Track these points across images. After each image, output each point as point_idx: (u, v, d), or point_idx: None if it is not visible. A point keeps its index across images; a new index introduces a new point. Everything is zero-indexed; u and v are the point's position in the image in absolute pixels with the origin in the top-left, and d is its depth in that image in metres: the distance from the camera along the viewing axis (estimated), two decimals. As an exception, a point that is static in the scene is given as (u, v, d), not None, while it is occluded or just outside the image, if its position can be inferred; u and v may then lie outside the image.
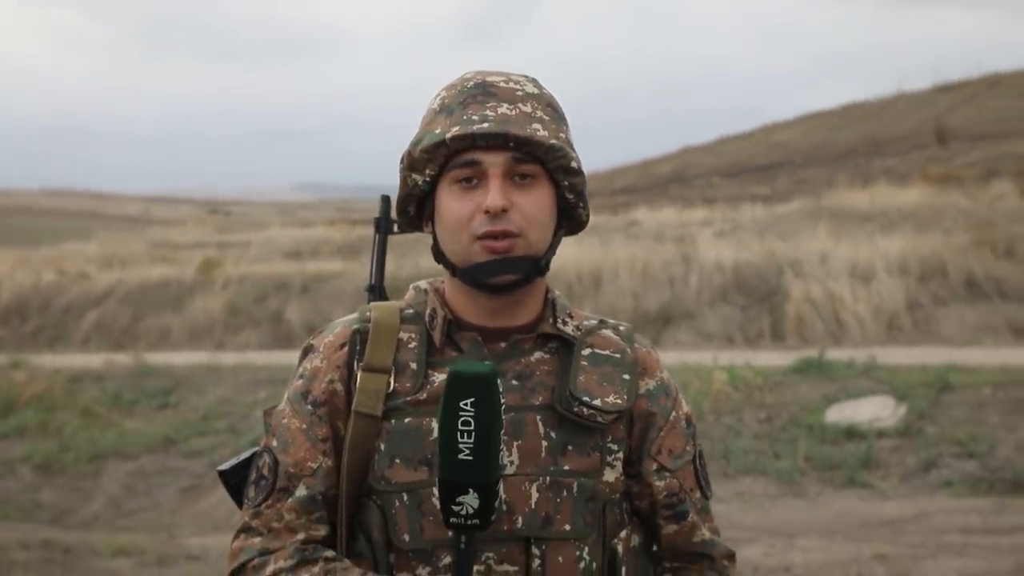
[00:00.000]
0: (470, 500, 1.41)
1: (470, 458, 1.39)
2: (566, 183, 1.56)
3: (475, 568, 1.49)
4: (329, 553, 1.54)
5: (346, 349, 1.59)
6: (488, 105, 1.52)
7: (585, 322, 1.63)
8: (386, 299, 1.84)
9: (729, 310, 14.89)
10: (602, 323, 1.64)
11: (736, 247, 16.64)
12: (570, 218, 1.61)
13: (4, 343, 16.44)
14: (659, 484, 1.60)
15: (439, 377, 1.54)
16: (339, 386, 1.58)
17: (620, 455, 1.58)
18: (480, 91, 1.53)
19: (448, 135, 1.50)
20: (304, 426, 1.58)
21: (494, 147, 1.50)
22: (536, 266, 1.55)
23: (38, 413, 10.82)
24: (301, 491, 1.55)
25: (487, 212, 1.49)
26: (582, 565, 1.53)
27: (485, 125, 1.49)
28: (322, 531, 1.56)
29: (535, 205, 1.53)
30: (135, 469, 10.20)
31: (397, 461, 1.53)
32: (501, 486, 1.48)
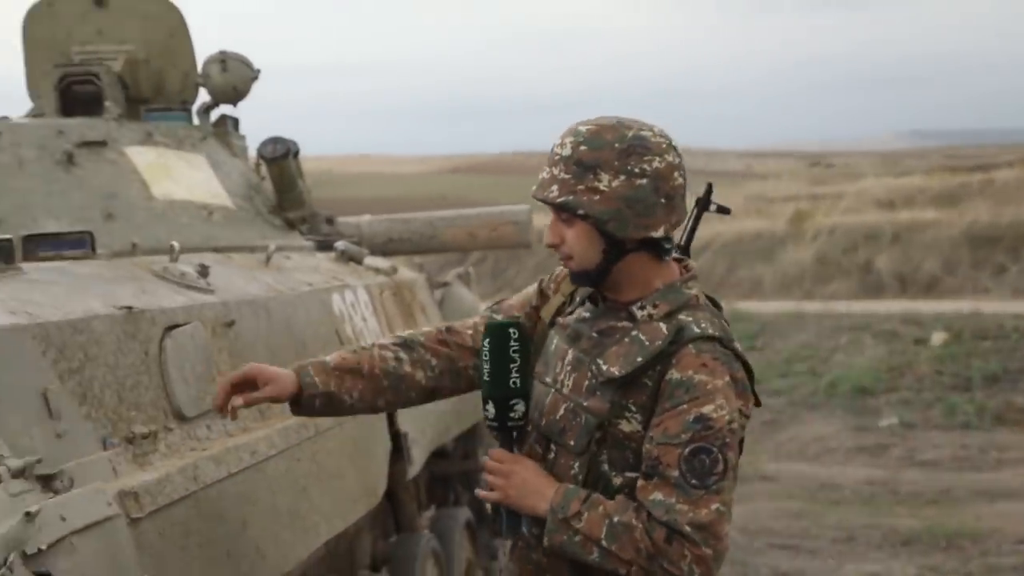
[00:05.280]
0: (490, 408, 2.18)
1: (487, 380, 2.16)
2: (593, 222, 2.09)
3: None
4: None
5: (561, 274, 2.34)
6: (543, 169, 2.14)
7: (681, 315, 2.11)
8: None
9: None
10: (677, 320, 2.11)
11: None
12: (617, 238, 2.11)
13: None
14: (647, 446, 2.06)
15: (577, 312, 2.24)
16: (551, 290, 2.37)
17: (637, 416, 2.08)
18: (549, 155, 2.15)
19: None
20: (532, 292, 2.39)
21: None
22: (590, 277, 2.16)
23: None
24: (498, 318, 2.31)
25: (544, 243, 2.19)
26: (572, 472, 2.13)
27: (533, 187, 2.15)
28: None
29: (573, 238, 2.13)
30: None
31: (541, 357, 2.27)
32: (527, 400, 2.19)
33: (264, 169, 4.48)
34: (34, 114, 4.28)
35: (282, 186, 4.37)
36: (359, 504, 3.40)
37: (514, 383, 2.15)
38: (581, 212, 2.08)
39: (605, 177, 2.07)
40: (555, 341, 2.23)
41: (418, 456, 4.11)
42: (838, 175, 33.42)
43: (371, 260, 4.61)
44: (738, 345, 2.13)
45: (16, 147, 3.63)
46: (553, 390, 2.18)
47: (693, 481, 2.00)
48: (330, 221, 4.96)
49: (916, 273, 17.44)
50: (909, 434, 9.83)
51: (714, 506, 2.00)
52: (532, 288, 2.40)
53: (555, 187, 2.10)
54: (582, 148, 2.09)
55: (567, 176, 2.09)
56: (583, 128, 2.11)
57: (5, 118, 3.79)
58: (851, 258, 18.17)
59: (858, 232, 18.76)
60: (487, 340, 2.15)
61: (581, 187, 2.08)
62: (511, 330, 2.14)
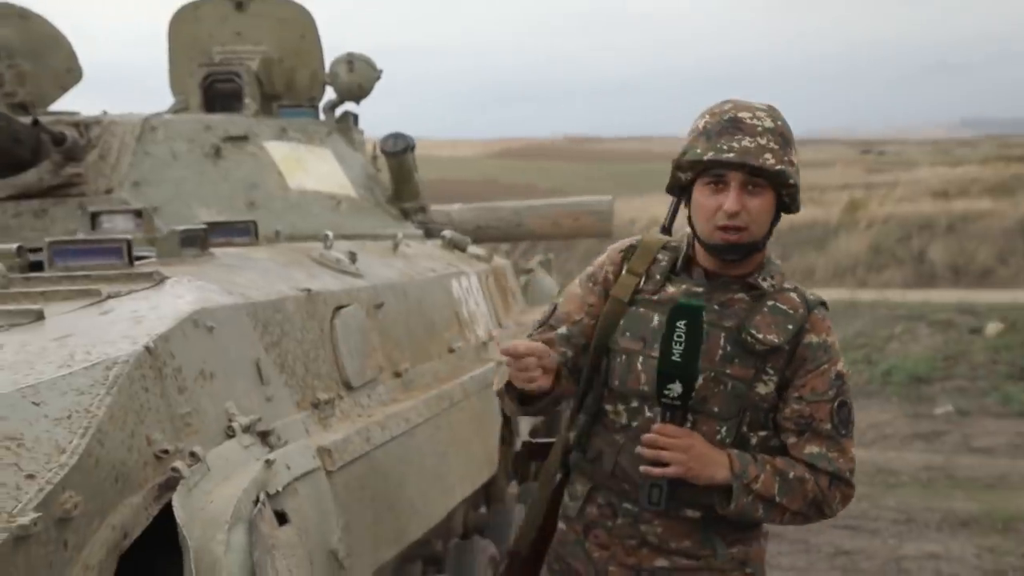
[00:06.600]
0: (675, 387, 2.16)
1: (679, 360, 2.15)
2: (784, 192, 2.22)
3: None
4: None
5: (622, 254, 2.41)
6: (735, 137, 2.17)
7: (785, 284, 2.29)
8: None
9: None
10: (796, 289, 2.29)
11: None
12: (786, 211, 2.26)
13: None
14: (795, 407, 2.25)
15: (670, 288, 2.30)
16: (611, 275, 2.39)
17: (775, 378, 2.24)
18: (731, 125, 2.19)
19: (706, 157, 2.19)
20: (581, 292, 2.41)
21: (735, 167, 2.18)
22: (754, 248, 2.24)
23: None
24: (562, 330, 2.38)
25: (727, 211, 2.19)
26: (718, 437, 2.24)
27: (731, 155, 2.17)
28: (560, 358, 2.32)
29: (760, 207, 2.20)
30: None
31: (627, 334, 2.31)
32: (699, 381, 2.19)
33: (379, 161, 4.83)
34: (176, 109, 4.67)
35: (400, 178, 4.73)
36: (483, 471, 3.75)
37: (699, 363, 2.18)
38: (792, 182, 2.21)
39: (792, 152, 2.24)
40: (655, 317, 2.28)
41: (523, 432, 4.47)
42: (891, 164, 33.32)
43: (472, 248, 4.94)
44: None
45: (170, 141, 4.01)
46: None
47: (842, 431, 2.26)
48: (423, 209, 5.31)
49: (970, 263, 17.58)
50: (964, 422, 10.04)
51: (854, 449, 2.29)
52: (578, 290, 2.42)
53: (769, 156, 2.17)
54: (779, 123, 2.22)
55: (776, 147, 2.19)
56: (759, 105, 2.24)
57: (159, 114, 4.17)
58: (905, 247, 18.31)
59: (913, 222, 18.86)
60: (681, 321, 2.14)
61: (787, 159, 2.20)
62: (704, 312, 2.17)
